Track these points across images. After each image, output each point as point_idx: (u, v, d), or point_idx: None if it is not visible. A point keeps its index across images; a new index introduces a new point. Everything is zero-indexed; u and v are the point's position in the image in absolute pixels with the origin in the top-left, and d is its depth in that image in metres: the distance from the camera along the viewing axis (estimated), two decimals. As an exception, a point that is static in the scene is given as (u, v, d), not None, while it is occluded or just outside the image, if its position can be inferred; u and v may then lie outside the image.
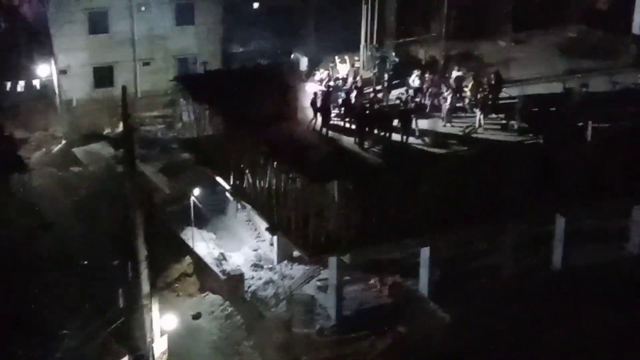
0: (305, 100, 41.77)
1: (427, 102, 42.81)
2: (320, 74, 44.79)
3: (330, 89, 42.72)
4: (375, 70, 46.17)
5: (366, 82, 45.29)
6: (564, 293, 40.13)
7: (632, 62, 49.11)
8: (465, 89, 43.20)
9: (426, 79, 43.85)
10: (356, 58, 45.61)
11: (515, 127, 40.95)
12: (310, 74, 44.04)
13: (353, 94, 42.32)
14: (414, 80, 43.65)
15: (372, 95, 44.30)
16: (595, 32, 53.02)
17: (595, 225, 43.90)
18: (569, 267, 42.09)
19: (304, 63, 45.47)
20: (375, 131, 40.03)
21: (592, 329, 37.82)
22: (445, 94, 42.50)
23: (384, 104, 43.39)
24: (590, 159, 40.03)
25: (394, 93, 44.05)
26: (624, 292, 40.02)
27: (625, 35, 52.89)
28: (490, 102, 42.52)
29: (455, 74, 44.38)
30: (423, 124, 41.13)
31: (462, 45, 49.52)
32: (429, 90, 43.17)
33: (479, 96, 42.31)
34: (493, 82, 43.65)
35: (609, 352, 36.93)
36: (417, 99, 42.28)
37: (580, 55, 47.71)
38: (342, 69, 45.64)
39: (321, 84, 43.69)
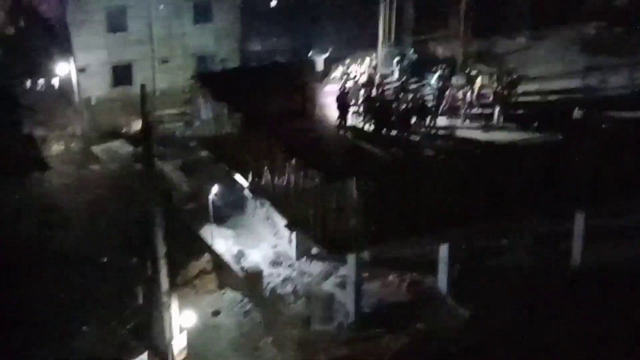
0: (324, 98, 41.82)
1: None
2: (337, 72, 44.73)
3: (348, 88, 42.64)
4: (393, 68, 46.19)
5: (384, 80, 45.27)
6: (583, 290, 39.99)
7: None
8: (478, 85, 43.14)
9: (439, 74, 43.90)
10: (374, 56, 45.54)
11: (535, 124, 40.86)
12: (327, 74, 43.94)
13: (370, 92, 42.33)
14: (436, 79, 43.66)
15: (388, 92, 44.26)
16: (614, 28, 52.81)
17: (615, 222, 43.73)
18: (589, 264, 41.94)
19: (320, 63, 45.33)
20: (394, 128, 40.05)
21: (611, 325, 37.69)
22: (464, 92, 42.50)
23: (402, 101, 43.33)
24: (610, 155, 39.87)
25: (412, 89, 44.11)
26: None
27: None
28: (508, 100, 42.50)
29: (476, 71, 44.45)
30: (442, 120, 41.10)
31: (480, 43, 49.40)
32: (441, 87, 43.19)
33: (495, 92, 42.26)
34: (510, 79, 43.61)
35: (629, 348, 36.79)
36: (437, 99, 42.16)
37: (600, 51, 47.53)
38: (359, 67, 45.57)
39: (340, 83, 43.63)
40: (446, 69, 44.96)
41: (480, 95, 43.08)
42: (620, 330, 37.62)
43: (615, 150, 39.98)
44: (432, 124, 40.42)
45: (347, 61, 46.16)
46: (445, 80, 43.62)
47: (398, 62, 46.44)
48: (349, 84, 43.49)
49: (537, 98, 42.84)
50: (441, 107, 41.98)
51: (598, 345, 36.91)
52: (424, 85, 43.67)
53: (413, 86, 44.04)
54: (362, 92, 42.69)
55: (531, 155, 39.43)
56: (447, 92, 43.17)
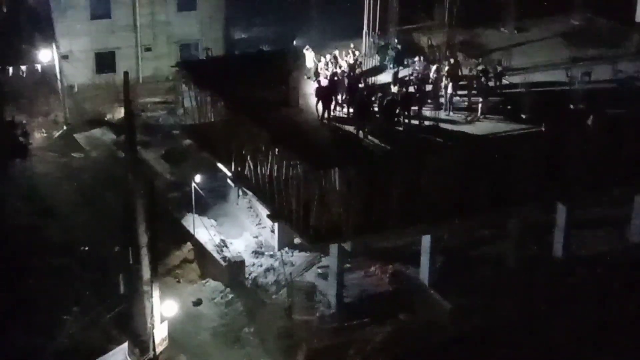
0: (309, 88, 41.69)
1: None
2: (322, 61, 44.48)
3: (332, 78, 42.46)
4: (378, 58, 46.10)
5: (368, 70, 45.18)
6: (564, 281, 40.13)
7: (636, 50, 48.94)
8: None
9: (416, 62, 43.85)
10: (352, 46, 45.36)
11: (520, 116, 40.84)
12: (317, 71, 43.62)
13: (354, 82, 42.21)
14: (416, 67, 43.62)
15: (372, 82, 44.15)
16: (599, 20, 52.85)
17: (596, 213, 43.89)
18: (570, 256, 42.07)
19: (309, 59, 44.87)
20: (378, 118, 39.93)
21: (593, 317, 37.83)
22: (445, 82, 42.42)
23: (386, 91, 43.19)
24: (592, 147, 39.95)
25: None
26: (625, 281, 39.99)
27: (629, 24, 52.76)
28: (491, 90, 42.53)
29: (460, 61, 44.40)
30: (425, 112, 41.01)
31: (465, 33, 49.34)
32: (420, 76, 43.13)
33: (479, 83, 42.29)
34: (494, 70, 43.64)
35: (610, 340, 36.92)
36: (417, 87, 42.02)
37: (584, 43, 47.54)
38: (344, 57, 45.33)
39: (324, 73, 43.42)
40: (430, 59, 44.90)
41: (463, 86, 42.96)
42: (604, 320, 37.81)
43: (600, 142, 40.08)
44: (416, 115, 40.29)
45: (332, 51, 45.93)
46: (427, 70, 43.58)
47: (382, 52, 46.30)
48: (333, 73, 43.29)
49: (521, 89, 42.74)
50: (425, 97, 41.82)
51: (581, 334, 37.09)
52: (408, 75, 43.49)
53: (397, 76, 43.87)
54: (346, 82, 42.52)
55: (515, 146, 39.48)
56: (431, 83, 43.07)
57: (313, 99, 40.87)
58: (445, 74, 42.49)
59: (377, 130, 39.14)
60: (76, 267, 41.09)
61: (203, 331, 38.72)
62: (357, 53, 44.75)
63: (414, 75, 43.14)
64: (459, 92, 42.54)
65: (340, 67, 43.78)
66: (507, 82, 43.93)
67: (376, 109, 40.33)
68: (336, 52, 44.72)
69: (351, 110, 40.75)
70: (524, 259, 41.88)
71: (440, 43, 47.54)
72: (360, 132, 39.03)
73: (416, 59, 44.39)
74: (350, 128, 39.51)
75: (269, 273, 42.35)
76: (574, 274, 40.58)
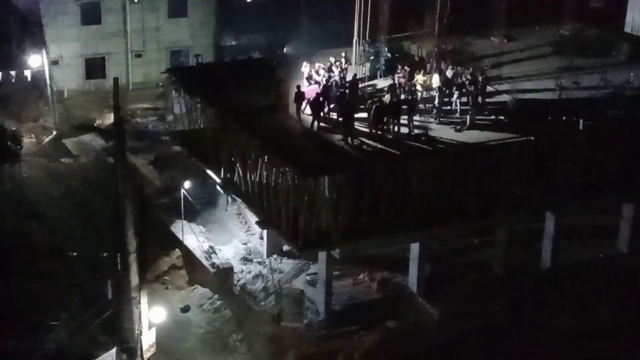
0: (299, 95, 41.71)
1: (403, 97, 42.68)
2: (312, 69, 44.49)
3: (322, 85, 42.45)
4: (368, 66, 46.17)
5: (358, 78, 45.20)
6: (552, 290, 40.18)
7: (625, 60, 49.12)
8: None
9: (399, 72, 43.91)
10: (342, 54, 45.40)
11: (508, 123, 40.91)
12: (310, 78, 43.63)
13: (344, 90, 42.30)
14: (400, 76, 43.82)
15: (362, 90, 44.22)
16: (588, 29, 53.01)
17: (585, 222, 43.96)
18: (559, 264, 42.14)
19: (305, 69, 44.73)
20: (367, 126, 39.98)
21: (579, 325, 37.90)
22: (435, 90, 42.54)
23: (375, 99, 43.23)
24: (580, 156, 40.06)
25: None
26: (613, 289, 40.07)
27: (618, 34, 52.96)
28: (480, 99, 42.66)
29: (449, 71, 44.49)
30: (416, 119, 41.03)
31: (455, 41, 49.42)
32: (403, 85, 43.19)
33: (469, 91, 42.40)
34: (483, 78, 43.79)
35: (596, 349, 36.99)
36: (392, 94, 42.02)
37: (574, 52, 47.67)
38: (334, 64, 45.33)
39: (314, 80, 43.41)
40: (404, 65, 44.98)
41: (452, 94, 43.02)
42: (590, 328, 37.88)
43: (587, 150, 40.20)
44: (406, 122, 40.33)
45: (322, 58, 45.96)
46: (398, 76, 43.79)
47: (372, 60, 46.38)
48: (324, 81, 43.33)
49: (510, 98, 42.85)
50: (415, 106, 41.88)
51: (568, 342, 37.16)
52: (398, 83, 43.55)
53: (386, 84, 43.95)
54: (335, 89, 42.59)
55: (504, 154, 39.55)
56: (421, 91, 43.17)
57: (303, 106, 40.96)
58: (421, 83, 42.70)
59: (366, 138, 39.21)
60: (64, 272, 40.99)
61: (191, 337, 38.67)
62: (344, 61, 44.77)
63: (397, 83, 43.26)
64: (448, 100, 42.66)
65: (330, 74, 43.83)
66: (493, 90, 44.04)
67: (364, 115, 40.41)
68: (331, 59, 44.71)
69: (339, 117, 40.83)
70: (512, 267, 41.93)
71: (429, 51, 47.61)
72: (348, 138, 39.08)
73: (399, 68, 44.49)
74: (339, 135, 39.53)
75: (257, 280, 42.34)
76: (562, 283, 40.61)
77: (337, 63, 44.49)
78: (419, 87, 42.95)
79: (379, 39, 47.57)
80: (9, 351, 35.74)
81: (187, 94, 43.86)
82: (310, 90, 41.71)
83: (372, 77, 46.16)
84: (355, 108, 40.52)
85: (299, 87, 41.30)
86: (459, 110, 42.19)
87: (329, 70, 43.99)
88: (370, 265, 42.18)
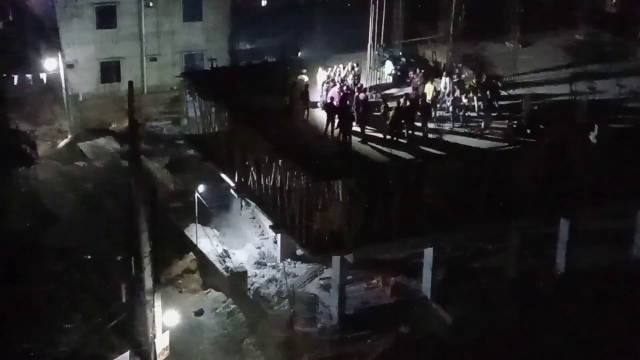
0: (313, 99, 41.77)
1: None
2: (326, 73, 44.45)
3: (337, 90, 42.43)
4: (382, 71, 46.16)
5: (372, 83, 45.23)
6: (566, 295, 40.10)
7: (639, 65, 49.01)
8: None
9: (413, 77, 43.90)
10: (363, 58, 45.42)
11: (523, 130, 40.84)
12: (328, 82, 43.59)
13: (358, 94, 42.27)
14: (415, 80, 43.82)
15: (376, 95, 44.19)
16: (603, 34, 52.90)
17: (599, 227, 43.84)
18: (573, 270, 42.04)
19: (322, 75, 44.71)
20: (381, 131, 39.99)
21: (593, 331, 37.80)
22: (447, 95, 42.54)
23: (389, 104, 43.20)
24: (595, 161, 39.98)
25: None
26: (627, 295, 39.96)
27: (633, 39, 52.82)
28: (495, 104, 42.62)
29: (464, 74, 44.48)
30: (430, 125, 41.04)
31: (469, 46, 49.38)
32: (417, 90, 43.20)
33: (484, 96, 42.38)
34: (498, 83, 43.75)
35: (609, 355, 36.89)
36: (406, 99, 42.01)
37: (588, 58, 47.57)
38: (348, 69, 45.31)
39: (329, 84, 43.37)
40: (433, 72, 44.95)
41: (467, 99, 42.97)
42: (605, 332, 37.79)
43: (602, 155, 40.12)
44: (421, 128, 40.32)
45: (336, 63, 45.95)
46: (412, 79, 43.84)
47: (387, 65, 46.36)
48: (338, 85, 43.31)
49: (525, 103, 42.77)
50: (429, 110, 41.85)
51: (582, 347, 37.07)
52: (412, 88, 43.54)
53: (400, 89, 43.97)
54: (349, 94, 42.55)
55: (518, 159, 39.52)
56: (437, 96, 43.13)
57: (317, 110, 40.99)
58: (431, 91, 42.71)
59: (380, 143, 39.21)
60: (78, 275, 41.11)
61: (204, 341, 38.71)
62: (355, 67, 44.71)
63: (412, 88, 43.28)
64: (463, 105, 42.61)
65: (344, 79, 43.82)
66: (506, 94, 43.98)
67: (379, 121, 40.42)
68: (348, 66, 44.64)
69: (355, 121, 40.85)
70: (525, 272, 41.86)
71: (444, 57, 47.59)
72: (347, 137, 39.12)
73: (411, 73, 44.51)
74: (355, 139, 39.53)
75: (271, 284, 42.35)
76: (575, 288, 40.52)
77: (351, 68, 44.46)
78: (428, 96, 42.67)
79: (393, 44, 47.57)
80: (22, 353, 35.88)
81: (202, 97, 43.92)
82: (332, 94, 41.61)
83: (387, 81, 46.12)
84: (371, 114, 40.57)
85: (331, 99, 40.85)
86: (474, 114, 42.19)
87: (336, 75, 44.01)
88: (384, 270, 42.16)
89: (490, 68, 47.09)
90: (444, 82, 43.87)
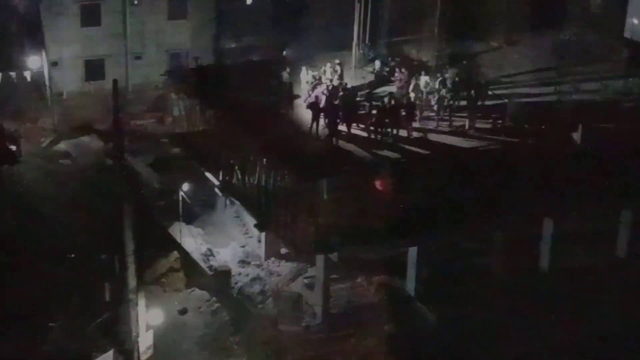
0: (298, 98, 41.79)
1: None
2: (311, 73, 44.45)
3: (322, 89, 42.43)
4: (367, 70, 46.25)
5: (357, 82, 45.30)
6: (550, 295, 40.16)
7: (624, 66, 49.15)
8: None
9: (398, 75, 43.96)
10: (337, 61, 45.38)
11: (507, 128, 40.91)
12: (314, 88, 43.58)
13: (343, 93, 42.34)
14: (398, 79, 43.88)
15: (361, 94, 44.25)
16: (588, 35, 53.05)
17: (583, 228, 43.92)
18: (556, 270, 42.11)
19: (306, 76, 44.58)
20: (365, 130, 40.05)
21: (577, 331, 37.89)
22: (430, 94, 42.66)
23: (375, 103, 43.25)
24: (579, 161, 40.07)
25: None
26: (611, 296, 40.06)
27: (618, 39, 52.99)
28: (479, 104, 42.70)
29: (449, 74, 44.54)
30: (415, 124, 41.12)
31: (455, 45, 49.46)
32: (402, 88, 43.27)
33: (468, 95, 42.46)
34: (483, 83, 43.83)
35: (594, 355, 36.97)
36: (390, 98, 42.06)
37: (573, 57, 47.71)
38: (333, 68, 45.33)
39: (313, 84, 43.39)
40: (419, 71, 45.01)
41: (452, 99, 43.06)
42: (590, 333, 37.89)
43: (586, 156, 40.22)
44: (404, 126, 40.41)
45: (322, 62, 46.00)
46: (397, 77, 43.86)
47: (372, 64, 46.45)
48: (323, 84, 43.37)
49: (509, 103, 42.89)
50: (413, 110, 41.92)
51: (567, 347, 37.14)
52: (397, 87, 43.61)
53: (385, 88, 44.03)
54: (334, 93, 42.58)
55: (502, 159, 39.59)
56: (420, 96, 43.20)
57: (301, 110, 40.98)
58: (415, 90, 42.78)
59: (366, 142, 39.25)
60: (61, 273, 40.96)
61: (188, 340, 38.60)
62: (336, 65, 44.71)
63: (396, 87, 43.34)
64: (447, 104, 42.70)
65: (329, 78, 43.85)
66: (491, 93, 44.06)
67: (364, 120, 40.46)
68: (336, 66, 44.64)
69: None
70: (510, 271, 41.90)
71: (429, 56, 47.69)
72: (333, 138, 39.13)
73: (396, 72, 44.55)
74: (341, 140, 39.59)
75: (255, 283, 42.29)
76: (559, 289, 40.61)
77: (336, 67, 44.47)
78: (411, 95, 42.71)
79: (378, 43, 47.62)
80: (6, 352, 35.73)
81: (187, 96, 43.87)
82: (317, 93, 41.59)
83: (371, 80, 46.16)
84: (356, 113, 40.61)
85: (316, 98, 40.84)
86: (458, 113, 42.28)
87: (321, 74, 44.03)
88: (368, 269, 42.13)
89: (475, 67, 47.14)
90: (424, 81, 43.89)
